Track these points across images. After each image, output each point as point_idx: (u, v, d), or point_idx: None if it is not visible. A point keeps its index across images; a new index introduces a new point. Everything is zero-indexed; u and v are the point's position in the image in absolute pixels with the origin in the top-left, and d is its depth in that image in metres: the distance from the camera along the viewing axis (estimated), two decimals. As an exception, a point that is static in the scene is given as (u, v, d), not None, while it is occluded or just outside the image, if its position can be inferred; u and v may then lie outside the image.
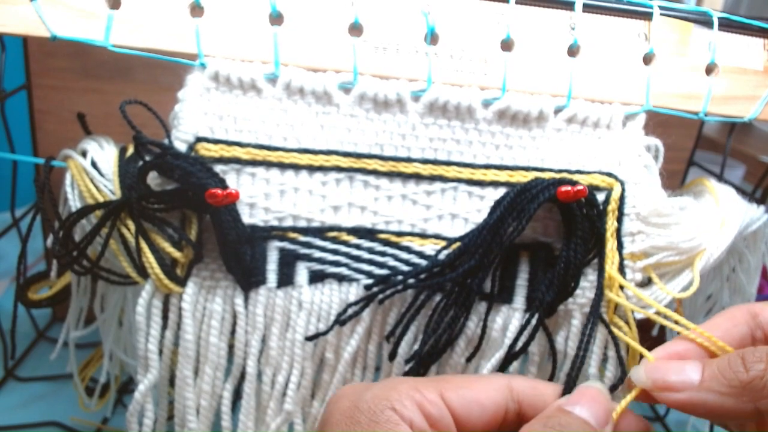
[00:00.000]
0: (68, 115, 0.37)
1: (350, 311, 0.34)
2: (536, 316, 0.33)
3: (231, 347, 0.35)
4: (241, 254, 0.33)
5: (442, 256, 0.34)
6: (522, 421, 0.27)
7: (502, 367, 0.34)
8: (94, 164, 0.34)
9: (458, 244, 0.33)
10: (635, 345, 0.32)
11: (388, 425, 0.24)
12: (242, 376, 0.35)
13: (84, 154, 0.35)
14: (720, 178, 0.51)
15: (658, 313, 0.32)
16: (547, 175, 0.34)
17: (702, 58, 0.36)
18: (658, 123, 0.36)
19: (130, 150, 0.35)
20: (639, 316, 0.34)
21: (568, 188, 0.32)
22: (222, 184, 0.32)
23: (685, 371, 0.26)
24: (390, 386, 0.26)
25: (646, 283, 0.35)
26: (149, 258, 0.33)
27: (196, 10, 0.32)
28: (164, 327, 0.34)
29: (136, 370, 0.43)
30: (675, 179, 0.43)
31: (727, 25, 0.36)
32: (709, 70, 0.36)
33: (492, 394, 0.27)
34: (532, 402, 0.28)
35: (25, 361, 0.53)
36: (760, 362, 0.25)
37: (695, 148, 0.56)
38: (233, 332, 0.35)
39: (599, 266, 0.34)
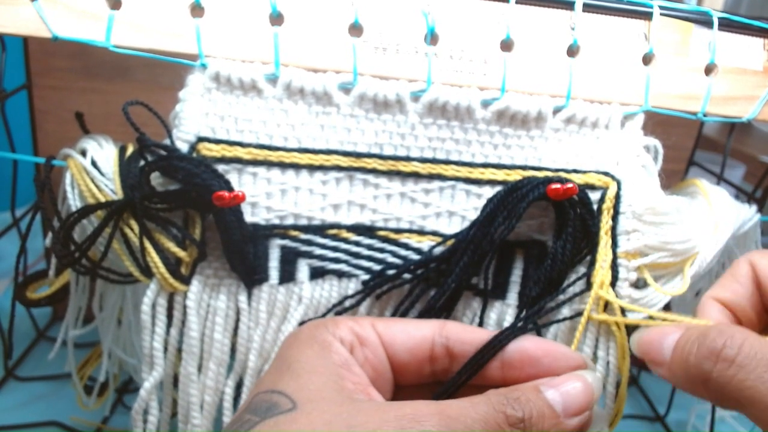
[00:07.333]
0: (68, 115, 0.37)
1: (347, 303, 0.35)
2: (526, 311, 0.34)
3: (232, 348, 0.36)
4: (245, 253, 0.33)
5: (436, 251, 0.34)
6: (453, 359, 0.29)
7: None
8: (93, 163, 0.34)
9: (452, 240, 0.34)
10: (624, 343, 0.33)
11: (322, 337, 0.28)
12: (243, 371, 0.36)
13: (83, 153, 0.35)
14: (720, 178, 0.51)
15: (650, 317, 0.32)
16: (543, 175, 0.34)
17: (702, 59, 0.36)
18: (659, 123, 0.36)
19: (130, 149, 0.35)
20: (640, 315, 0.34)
21: (558, 186, 0.32)
22: (228, 185, 0.32)
23: (663, 348, 0.27)
24: (333, 318, 0.31)
25: (641, 284, 0.35)
26: (154, 258, 0.33)
27: (197, 10, 0.32)
28: (168, 325, 0.34)
29: (135, 368, 0.43)
30: (675, 179, 0.43)
31: (727, 25, 0.36)
32: (709, 70, 0.36)
33: (422, 327, 0.29)
34: (460, 338, 0.29)
35: (25, 361, 0.53)
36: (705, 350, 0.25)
37: (695, 148, 0.56)
38: (234, 333, 0.35)
39: (590, 263, 0.34)
